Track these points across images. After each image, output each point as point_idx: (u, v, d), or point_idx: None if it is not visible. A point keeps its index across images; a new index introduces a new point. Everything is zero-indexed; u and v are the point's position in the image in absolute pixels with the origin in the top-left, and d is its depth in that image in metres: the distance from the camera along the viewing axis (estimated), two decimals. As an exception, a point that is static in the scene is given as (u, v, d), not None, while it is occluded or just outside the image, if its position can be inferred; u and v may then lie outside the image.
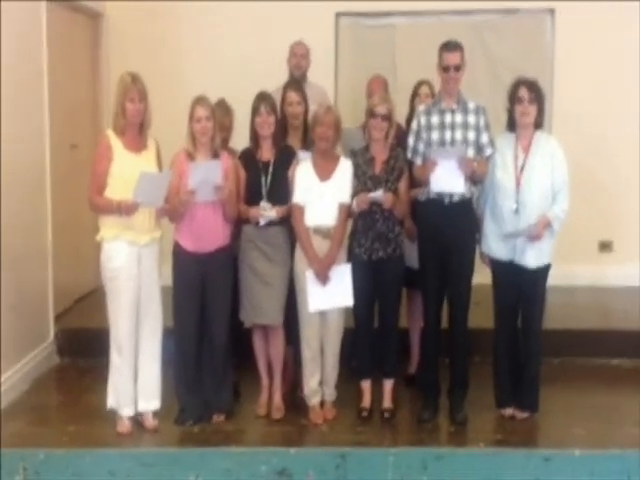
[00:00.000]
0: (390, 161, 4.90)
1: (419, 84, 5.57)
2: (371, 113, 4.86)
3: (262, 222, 4.85)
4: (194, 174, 4.64)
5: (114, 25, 7.25)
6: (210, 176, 4.67)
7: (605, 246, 7.38)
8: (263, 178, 4.94)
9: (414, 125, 4.94)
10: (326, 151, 4.89)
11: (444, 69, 4.80)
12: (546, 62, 7.26)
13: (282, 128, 5.18)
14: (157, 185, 4.58)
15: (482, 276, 5.02)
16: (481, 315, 5.27)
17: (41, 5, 5.86)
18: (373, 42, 7.35)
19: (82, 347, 5.92)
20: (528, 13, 7.26)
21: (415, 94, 5.56)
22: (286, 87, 5.40)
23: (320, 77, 6.26)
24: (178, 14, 7.23)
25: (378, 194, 4.74)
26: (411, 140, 4.94)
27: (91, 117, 7.03)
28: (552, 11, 7.21)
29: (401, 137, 5.17)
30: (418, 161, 4.92)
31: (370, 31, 7.37)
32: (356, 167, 4.90)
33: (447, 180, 4.68)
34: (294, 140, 5.23)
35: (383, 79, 5.91)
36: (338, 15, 7.28)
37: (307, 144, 5.15)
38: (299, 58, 6.02)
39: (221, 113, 5.14)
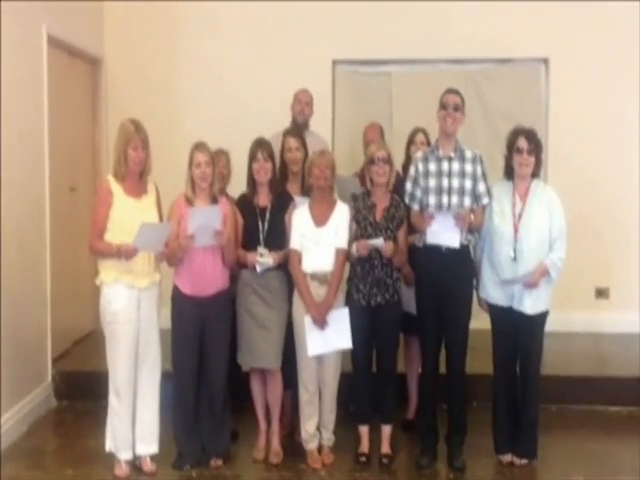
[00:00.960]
0: (391, 209, 4.94)
1: (415, 132, 5.63)
2: (371, 160, 4.92)
3: (259, 269, 4.88)
4: (193, 219, 4.67)
5: (113, 70, 7.33)
6: (209, 221, 4.70)
7: (602, 293, 7.40)
8: (260, 224, 4.98)
9: (412, 171, 4.99)
10: (324, 192, 4.93)
11: (443, 106, 4.86)
12: (540, 110, 7.35)
13: (282, 174, 5.25)
14: (158, 234, 4.63)
15: (480, 321, 5.04)
16: (479, 360, 5.28)
17: (42, 50, 5.94)
18: (370, 89, 7.44)
19: (80, 390, 5.91)
20: (522, 62, 7.36)
21: (411, 141, 5.62)
22: (286, 133, 5.45)
23: (317, 124, 6.32)
24: (178, 59, 7.33)
25: (379, 242, 4.78)
26: (409, 186, 4.99)
27: (90, 160, 7.09)
28: (546, 60, 7.30)
29: (398, 184, 5.22)
30: (415, 207, 4.96)
31: (367, 78, 7.46)
32: (357, 212, 4.94)
33: (443, 234, 4.73)
34: (293, 186, 5.28)
35: (379, 126, 5.99)
36: (335, 62, 7.36)
37: (306, 191, 5.19)
38: (303, 105, 6.09)
39: (218, 157, 5.18)
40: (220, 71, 7.30)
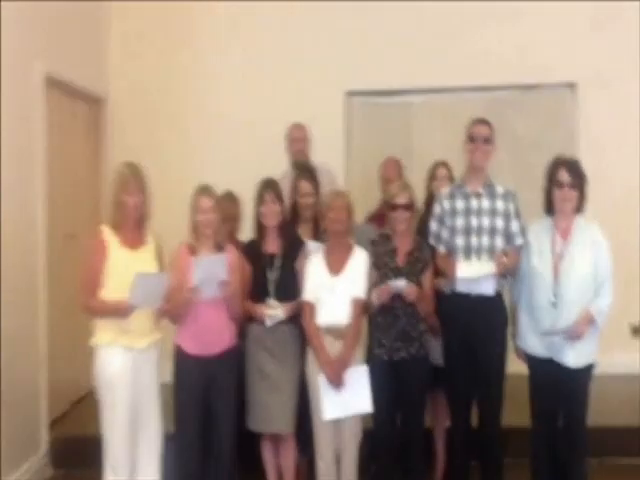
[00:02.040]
0: (414, 252, 4.53)
1: (436, 166, 5.22)
2: (391, 205, 4.50)
3: (269, 323, 4.45)
4: (197, 270, 4.25)
5: (117, 111, 6.97)
6: (214, 271, 4.29)
7: (637, 331, 6.86)
8: (269, 273, 4.56)
9: (437, 209, 4.58)
10: (340, 237, 4.52)
11: (471, 139, 4.46)
12: (569, 138, 6.91)
13: (293, 218, 4.87)
14: (154, 286, 4.20)
15: (515, 365, 4.58)
16: (514, 411, 4.73)
17: (40, 91, 5.59)
18: (387, 122, 7.05)
19: (78, 456, 5.44)
20: (549, 88, 6.95)
21: (432, 176, 5.20)
22: (298, 176, 5.04)
23: (330, 160, 5.98)
24: (185, 98, 6.96)
25: (401, 284, 4.33)
26: (434, 226, 4.57)
27: (91, 206, 6.67)
28: (573, 85, 6.89)
29: (421, 224, 4.78)
30: (442, 249, 4.54)
31: (383, 110, 7.07)
32: (377, 257, 4.52)
33: (474, 283, 4.29)
34: (305, 231, 4.88)
35: (397, 161, 5.58)
36: (349, 94, 6.97)
37: (318, 235, 4.78)
38: (300, 143, 5.71)
39: (227, 203, 4.87)
40: (228, 107, 6.93)
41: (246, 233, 4.94)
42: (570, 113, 6.95)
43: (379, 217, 5.29)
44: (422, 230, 4.71)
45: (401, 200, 4.47)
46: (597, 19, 6.75)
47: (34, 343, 5.44)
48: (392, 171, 5.37)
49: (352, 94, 6.98)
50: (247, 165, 6.29)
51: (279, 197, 4.62)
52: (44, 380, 5.53)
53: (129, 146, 6.57)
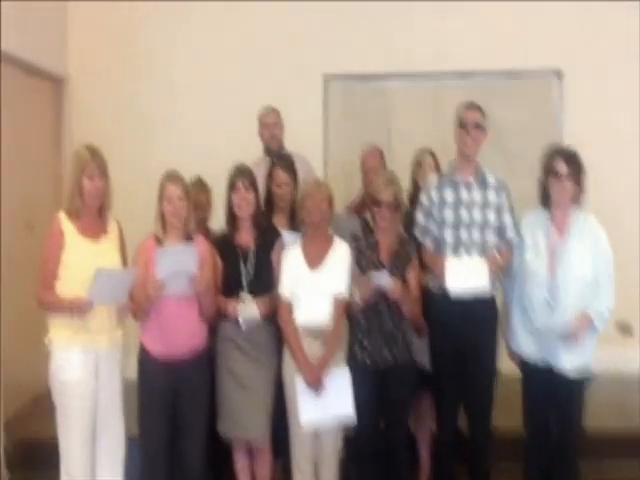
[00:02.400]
0: (398, 247, 4.18)
1: (421, 153, 4.93)
2: (375, 201, 4.16)
3: (244, 327, 4.12)
4: (163, 262, 3.89)
5: (78, 91, 6.57)
6: (183, 264, 3.93)
7: (625, 329, 6.61)
8: (243, 266, 4.22)
9: (424, 200, 4.26)
10: (319, 229, 4.18)
11: (461, 124, 4.14)
12: (554, 127, 6.62)
13: (267, 207, 4.53)
14: (117, 283, 3.84)
15: (505, 364, 4.29)
16: (504, 413, 4.44)
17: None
18: (365, 107, 6.72)
19: (33, 460, 5.04)
20: (533, 75, 6.65)
21: (417, 165, 4.90)
22: (275, 165, 4.69)
23: (307, 147, 5.65)
24: (151, 78, 6.58)
25: (384, 279, 3.99)
26: (420, 218, 4.26)
27: (52, 192, 6.27)
28: (559, 72, 6.60)
29: (405, 216, 4.46)
30: (429, 243, 4.22)
31: (362, 95, 6.73)
32: (358, 253, 4.18)
33: (467, 280, 3.96)
34: (280, 221, 4.54)
35: (379, 150, 5.23)
36: (326, 78, 6.63)
37: (295, 226, 4.45)
38: (272, 128, 5.37)
39: (197, 190, 4.52)
40: (197, 90, 6.58)
41: (217, 223, 4.60)
42: (556, 101, 6.67)
43: (360, 208, 4.97)
44: (407, 223, 4.39)
45: (386, 197, 4.13)
46: (584, 3, 6.46)
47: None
48: (374, 161, 5.04)
49: (330, 78, 6.64)
50: (218, 151, 6.01)
51: (253, 185, 4.28)
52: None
53: (91, 129, 6.16)
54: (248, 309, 4.11)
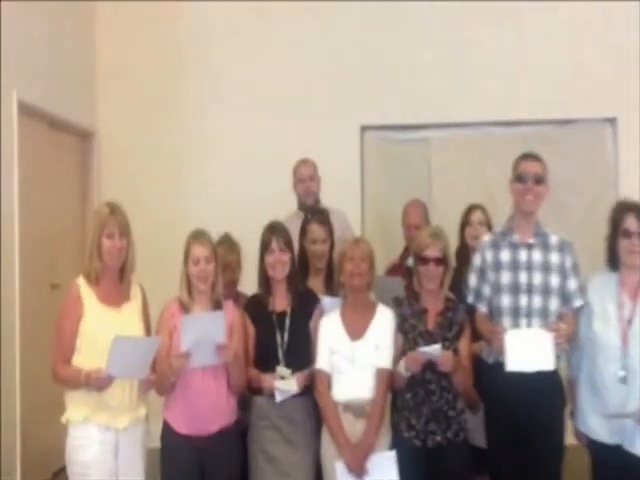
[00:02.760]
0: (447, 313, 3.79)
1: (470, 209, 4.60)
2: (420, 258, 3.78)
3: (279, 398, 3.71)
4: (189, 331, 3.54)
5: (106, 145, 6.34)
6: (210, 333, 3.57)
7: None
8: (279, 335, 3.84)
9: (477, 261, 3.87)
10: (360, 294, 3.80)
11: (519, 178, 3.74)
12: (608, 178, 6.24)
13: (302, 268, 4.16)
14: (140, 353, 3.49)
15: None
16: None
17: (13, 123, 4.99)
18: (405, 159, 6.39)
19: None
20: (585, 123, 6.27)
21: (465, 222, 4.57)
22: (309, 219, 4.36)
23: (343, 201, 5.33)
24: (178, 132, 6.31)
25: (434, 350, 3.58)
26: (473, 280, 3.87)
27: (78, 252, 5.87)
28: (613, 120, 6.23)
29: (453, 277, 4.07)
30: (483, 308, 3.82)
31: (401, 146, 6.41)
32: (402, 320, 3.79)
33: (530, 358, 3.53)
34: (316, 283, 4.18)
35: (422, 205, 4.93)
36: (364, 129, 6.32)
37: (332, 290, 4.08)
38: (308, 182, 5.03)
39: (226, 249, 4.17)
40: (229, 145, 6.30)
41: (247, 285, 4.24)
42: (609, 151, 6.28)
43: (401, 268, 4.60)
44: (455, 286, 3.99)
45: (433, 252, 3.76)
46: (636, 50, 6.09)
47: (8, 407, 4.75)
48: (417, 217, 4.72)
49: (367, 128, 6.33)
50: (250, 207, 5.77)
51: (288, 245, 3.93)
52: (17, 449, 4.85)
53: (119, 185, 5.95)
54: (287, 386, 3.72)
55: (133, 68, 6.35)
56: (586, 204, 6.13)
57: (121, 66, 6.34)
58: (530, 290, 3.67)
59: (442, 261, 3.75)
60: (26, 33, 5.16)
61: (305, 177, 5.04)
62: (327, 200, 5.07)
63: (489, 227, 4.46)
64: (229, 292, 4.10)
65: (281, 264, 3.87)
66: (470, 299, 3.85)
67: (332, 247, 4.24)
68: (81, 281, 3.60)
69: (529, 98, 6.16)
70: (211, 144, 6.31)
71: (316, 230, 4.22)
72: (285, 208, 4.92)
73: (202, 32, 6.34)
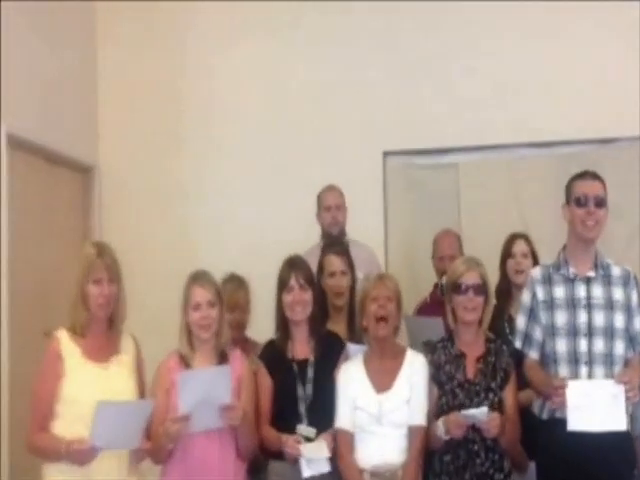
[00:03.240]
0: (488, 358, 3.26)
1: (512, 239, 4.09)
2: (456, 286, 3.27)
3: (307, 474, 3.15)
4: (188, 389, 3.03)
5: (109, 182, 5.83)
6: (213, 392, 3.06)
7: None
8: (300, 387, 3.33)
9: (525, 299, 3.33)
10: (385, 341, 3.30)
11: (578, 201, 3.23)
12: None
13: (321, 309, 3.63)
14: (129, 419, 2.97)
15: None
16: None
17: (1, 156, 4.58)
18: (431, 185, 5.84)
19: None
20: (627, 142, 5.69)
21: (507, 254, 4.05)
22: (325, 250, 3.86)
23: (365, 233, 4.87)
24: (186, 164, 5.80)
25: (481, 412, 3.04)
26: (521, 321, 3.32)
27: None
28: (655, 140, 5.66)
29: (494, 316, 3.54)
30: (534, 354, 3.27)
31: (427, 172, 5.86)
32: (437, 368, 3.26)
33: (596, 414, 2.98)
34: (337, 327, 3.67)
35: (455, 235, 4.52)
36: (386, 154, 5.79)
37: (355, 333, 3.56)
38: (334, 211, 4.54)
39: (233, 287, 3.78)
40: (241, 177, 5.74)
41: (256, 332, 3.73)
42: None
43: (433, 307, 4.08)
44: (496, 327, 3.47)
45: (471, 279, 3.27)
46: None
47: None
48: (451, 247, 4.28)
49: (390, 154, 5.81)
50: (264, 246, 5.22)
51: (310, 281, 3.44)
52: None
53: (122, 224, 5.56)
54: (316, 452, 3.17)
55: (137, 99, 5.86)
56: (630, 229, 5.58)
57: (124, 97, 5.86)
58: (591, 332, 3.12)
59: (482, 289, 3.24)
60: (27, 63, 4.84)
61: (332, 205, 4.56)
62: (348, 230, 4.60)
63: (534, 259, 3.95)
64: (238, 339, 3.66)
65: (301, 304, 3.38)
66: (518, 344, 3.31)
67: (354, 283, 3.74)
68: (62, 334, 3.12)
69: (565, 116, 5.58)
70: (222, 177, 5.77)
71: (333, 261, 3.76)
72: (305, 244, 4.43)
73: (209, 62, 5.85)
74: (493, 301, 3.37)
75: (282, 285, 3.41)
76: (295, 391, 3.31)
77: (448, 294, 3.34)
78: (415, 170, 5.86)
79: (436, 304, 4.08)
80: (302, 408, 3.29)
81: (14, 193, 4.66)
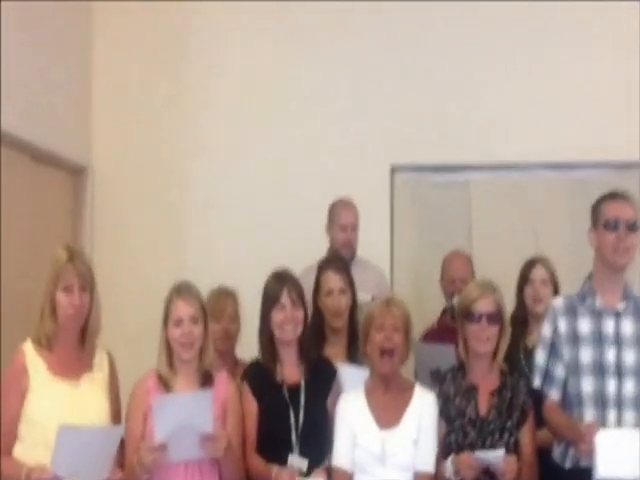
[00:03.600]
0: (504, 392, 2.93)
1: (531, 264, 3.76)
2: (468, 313, 2.96)
3: None
4: (165, 416, 2.70)
5: (102, 183, 5.48)
6: (194, 419, 2.73)
7: None
8: (292, 414, 3.00)
9: (546, 332, 2.99)
10: (391, 374, 2.97)
11: (607, 225, 2.92)
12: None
13: (316, 331, 3.34)
14: (97, 446, 2.65)
15: None
16: None
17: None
18: (441, 205, 5.54)
19: None
20: (646, 166, 5.43)
21: (524, 280, 3.71)
22: (322, 266, 3.55)
23: (370, 254, 4.49)
24: (182, 164, 5.45)
25: (495, 456, 2.73)
26: (541, 357, 2.99)
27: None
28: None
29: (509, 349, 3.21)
30: (554, 395, 2.93)
31: (436, 190, 5.56)
32: (445, 401, 2.94)
33: (626, 461, 2.64)
34: (334, 351, 3.35)
35: (466, 257, 4.20)
36: (394, 169, 5.47)
37: (356, 360, 3.27)
38: (350, 233, 4.19)
39: (218, 298, 3.53)
40: (242, 188, 5.39)
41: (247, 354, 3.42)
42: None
43: (441, 334, 3.77)
44: (512, 358, 3.15)
45: (485, 306, 2.95)
46: None
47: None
48: (462, 270, 4.00)
49: (398, 169, 5.49)
50: (256, 260, 4.77)
51: (301, 297, 3.12)
52: None
53: (114, 227, 5.28)
54: None
55: (133, 99, 5.53)
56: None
57: (120, 95, 5.52)
58: (620, 372, 2.79)
59: (497, 318, 2.92)
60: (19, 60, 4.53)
61: (348, 225, 4.21)
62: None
63: (554, 286, 3.62)
64: (223, 349, 3.40)
65: (293, 323, 3.06)
66: (537, 382, 2.97)
67: (354, 303, 3.42)
68: (28, 347, 2.80)
69: (583, 137, 5.28)
70: (220, 188, 5.42)
71: (331, 279, 3.42)
72: (305, 261, 4.05)
73: (207, 62, 5.53)
74: (509, 330, 3.04)
75: (271, 301, 3.09)
76: (287, 418, 2.99)
77: (460, 320, 3.02)
78: (425, 187, 5.56)
79: (444, 331, 3.78)
80: (294, 437, 2.97)
81: (1, 193, 4.37)
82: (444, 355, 3.33)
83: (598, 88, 5.31)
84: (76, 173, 5.45)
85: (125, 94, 5.53)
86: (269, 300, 3.09)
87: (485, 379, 2.96)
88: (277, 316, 3.06)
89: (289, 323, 3.05)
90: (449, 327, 3.76)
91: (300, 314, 3.08)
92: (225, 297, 3.54)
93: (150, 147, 5.46)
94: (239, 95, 5.44)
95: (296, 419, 2.99)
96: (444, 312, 4.00)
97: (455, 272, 3.96)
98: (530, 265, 3.73)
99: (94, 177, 5.49)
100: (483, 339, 2.92)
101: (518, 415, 2.90)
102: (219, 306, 3.44)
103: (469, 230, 5.45)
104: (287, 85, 5.44)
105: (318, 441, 2.97)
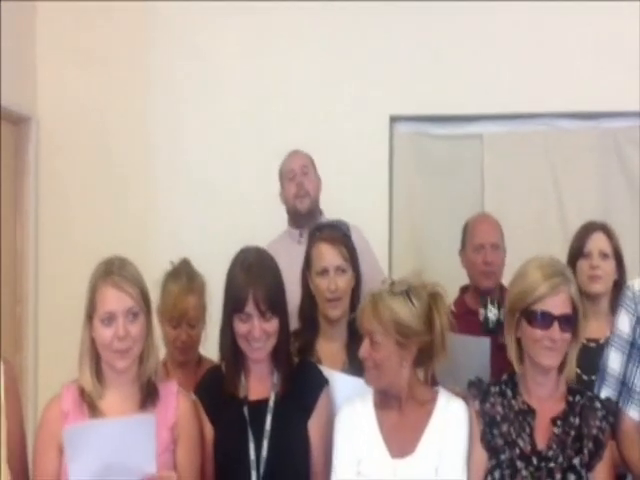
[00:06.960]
0: (570, 419, 2.14)
1: (587, 230, 3.01)
2: (531, 314, 2.14)
3: None
4: (83, 452, 1.93)
5: (46, 135, 4.90)
6: (128, 454, 1.96)
7: None
8: (252, 442, 2.25)
9: (623, 327, 2.22)
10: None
11: None
12: None
13: (306, 321, 2.66)
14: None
15: None
16: None
17: None
18: (448, 160, 4.91)
19: None
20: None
21: (578, 252, 2.96)
22: (312, 236, 2.77)
23: (366, 216, 4.01)
24: (138, 117, 4.81)
25: None
26: (616, 361, 2.24)
27: (8, 275, 4.55)
28: None
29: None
30: (634, 413, 2.17)
31: (443, 143, 4.93)
32: (490, 424, 2.16)
33: None
34: (330, 347, 2.63)
35: (496, 222, 3.40)
36: (393, 119, 4.83)
37: (357, 359, 2.40)
38: (300, 177, 3.47)
39: (179, 290, 2.72)
40: (206, 136, 4.74)
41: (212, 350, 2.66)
42: None
43: (461, 319, 2.95)
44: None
45: (557, 308, 2.12)
46: None
47: None
48: (493, 235, 3.22)
49: (397, 120, 4.86)
50: (231, 228, 4.19)
51: (277, 302, 2.28)
52: None
53: (58, 186, 4.74)
54: None
55: (83, 44, 4.89)
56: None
57: (66, 42, 4.92)
58: None
59: (571, 321, 2.13)
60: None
61: (295, 170, 3.50)
62: (345, 213, 3.44)
63: (618, 262, 2.85)
64: (182, 360, 2.67)
65: (262, 339, 2.24)
66: (609, 392, 2.20)
67: (358, 284, 2.66)
68: None
69: (610, 83, 4.73)
70: (181, 135, 4.77)
71: (325, 253, 2.64)
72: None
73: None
74: (584, 336, 2.23)
75: (234, 305, 2.26)
76: (246, 448, 2.24)
77: (511, 318, 2.20)
78: (429, 140, 4.95)
79: (465, 314, 3.03)
80: (254, 474, 2.22)
81: None
82: (477, 348, 2.66)
83: (624, 31, 4.72)
84: (19, 123, 4.89)
85: (75, 39, 4.90)
86: (231, 302, 2.28)
87: (546, 400, 2.17)
88: (240, 327, 2.24)
89: (257, 341, 2.24)
90: (471, 311, 3.08)
91: (271, 325, 2.25)
92: (187, 292, 2.73)
93: (97, 96, 4.86)
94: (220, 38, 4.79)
95: (258, 449, 2.23)
96: (463, 291, 3.23)
97: (485, 236, 3.21)
98: (586, 232, 2.98)
99: (38, 128, 4.94)
100: (550, 351, 2.12)
101: (590, 450, 2.11)
102: (178, 308, 2.69)
103: (482, 189, 4.86)
104: (280, 32, 4.78)
105: (286, 472, 2.24)
